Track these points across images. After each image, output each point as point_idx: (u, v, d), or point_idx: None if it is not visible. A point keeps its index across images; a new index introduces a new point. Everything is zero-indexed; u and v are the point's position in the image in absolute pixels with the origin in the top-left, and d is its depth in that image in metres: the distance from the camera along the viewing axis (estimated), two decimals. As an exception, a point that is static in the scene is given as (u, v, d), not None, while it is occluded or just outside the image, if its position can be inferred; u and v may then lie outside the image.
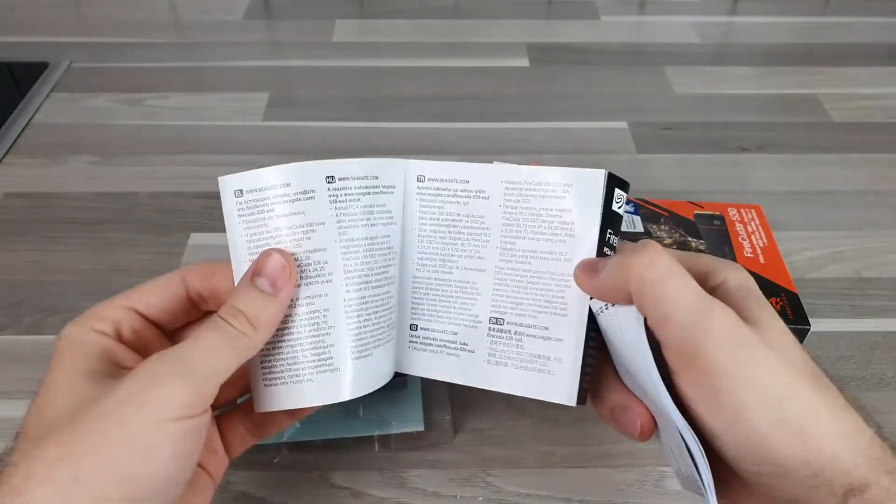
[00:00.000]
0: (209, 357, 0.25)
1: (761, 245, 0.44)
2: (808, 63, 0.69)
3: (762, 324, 0.25)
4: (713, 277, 0.28)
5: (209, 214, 0.51)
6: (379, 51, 0.70)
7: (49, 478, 0.22)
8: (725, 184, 0.54)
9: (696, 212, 0.47)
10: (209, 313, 0.30)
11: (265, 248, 0.27)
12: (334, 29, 0.73)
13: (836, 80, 0.67)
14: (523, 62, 0.69)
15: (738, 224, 0.46)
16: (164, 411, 0.23)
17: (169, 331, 0.30)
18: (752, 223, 0.46)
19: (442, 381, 0.39)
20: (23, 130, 0.58)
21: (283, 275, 0.27)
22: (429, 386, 0.39)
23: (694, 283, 0.25)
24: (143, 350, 0.28)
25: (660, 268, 0.25)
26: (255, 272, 0.27)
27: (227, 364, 0.25)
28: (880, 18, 0.76)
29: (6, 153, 0.56)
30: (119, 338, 0.27)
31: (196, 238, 0.49)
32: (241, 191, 0.27)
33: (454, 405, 0.39)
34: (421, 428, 0.37)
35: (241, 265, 0.28)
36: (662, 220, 0.47)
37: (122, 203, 0.52)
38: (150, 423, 0.23)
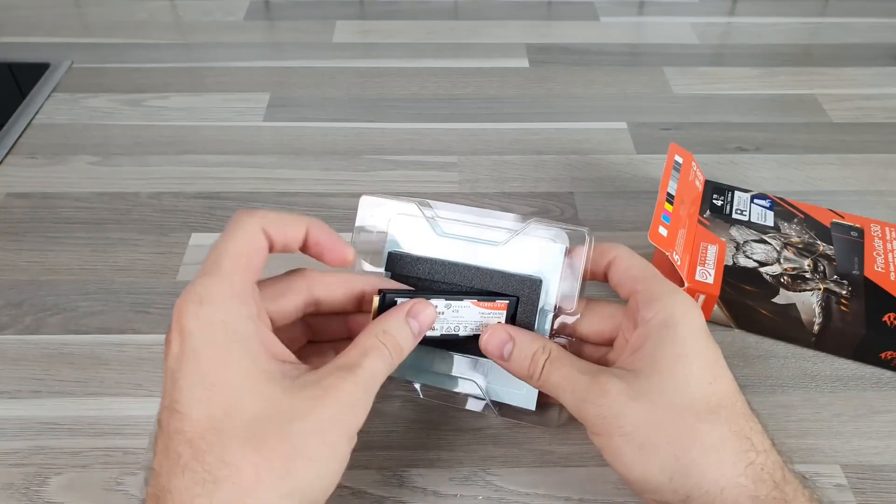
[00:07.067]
0: (375, 375, 0.29)
1: None
2: (807, 63, 0.69)
3: (659, 366, 0.30)
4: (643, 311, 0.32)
5: (209, 214, 0.51)
6: (379, 51, 0.70)
7: (274, 486, 0.25)
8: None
9: (834, 220, 0.47)
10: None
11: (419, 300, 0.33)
12: (334, 30, 0.73)
13: (835, 80, 0.67)
14: (523, 63, 0.69)
15: (877, 240, 0.46)
16: (348, 432, 0.28)
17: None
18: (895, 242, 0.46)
19: None
20: (24, 131, 0.59)
21: (427, 325, 0.33)
22: None
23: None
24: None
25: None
26: (411, 314, 0.32)
27: (381, 379, 0.30)
28: (879, 19, 0.77)
29: (7, 153, 0.56)
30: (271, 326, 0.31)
31: (196, 238, 0.49)
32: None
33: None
34: (532, 408, 0.36)
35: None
36: (796, 220, 0.47)
37: (123, 203, 0.52)
38: (339, 444, 0.28)
